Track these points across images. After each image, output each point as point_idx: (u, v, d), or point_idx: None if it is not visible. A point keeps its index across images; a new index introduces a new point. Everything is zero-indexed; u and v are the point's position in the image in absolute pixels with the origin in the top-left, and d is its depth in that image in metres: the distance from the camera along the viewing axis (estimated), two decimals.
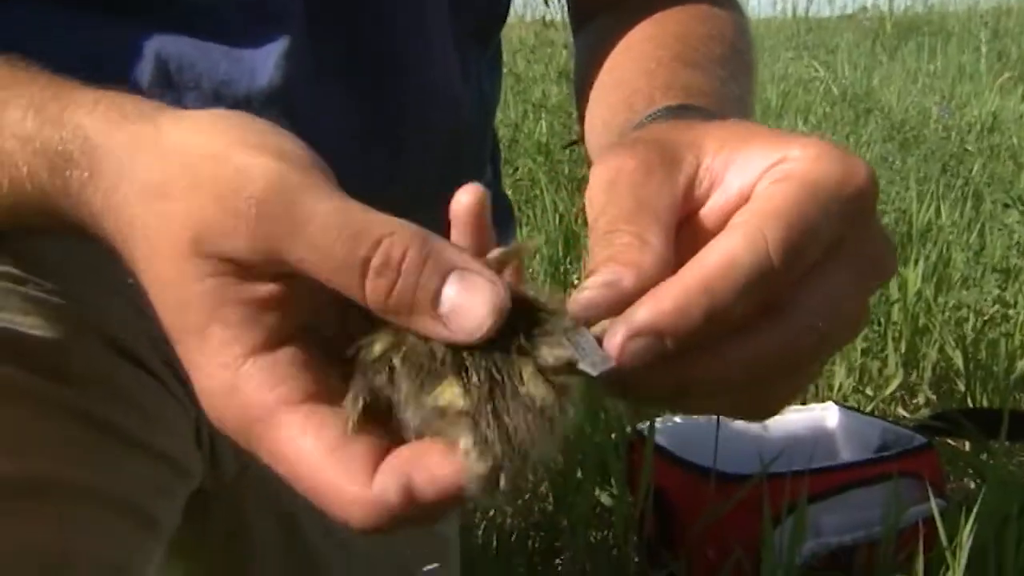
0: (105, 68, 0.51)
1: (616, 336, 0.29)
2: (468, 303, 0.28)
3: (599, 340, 0.29)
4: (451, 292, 0.29)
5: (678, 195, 0.33)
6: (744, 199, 0.33)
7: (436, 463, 0.29)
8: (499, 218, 0.75)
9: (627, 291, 0.30)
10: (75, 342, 0.51)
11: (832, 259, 0.31)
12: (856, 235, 0.32)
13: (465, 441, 0.28)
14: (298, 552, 0.68)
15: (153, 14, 0.51)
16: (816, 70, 4.80)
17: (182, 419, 0.59)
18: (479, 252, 0.32)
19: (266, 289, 0.31)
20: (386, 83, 0.57)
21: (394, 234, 0.29)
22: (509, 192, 1.08)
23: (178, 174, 0.32)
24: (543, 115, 2.76)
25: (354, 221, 0.29)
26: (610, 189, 0.33)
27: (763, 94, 4.13)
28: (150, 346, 0.55)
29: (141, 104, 0.36)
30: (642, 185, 0.33)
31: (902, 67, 5.09)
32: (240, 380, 0.31)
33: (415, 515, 0.29)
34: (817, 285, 0.31)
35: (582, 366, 0.29)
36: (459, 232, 0.34)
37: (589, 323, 0.30)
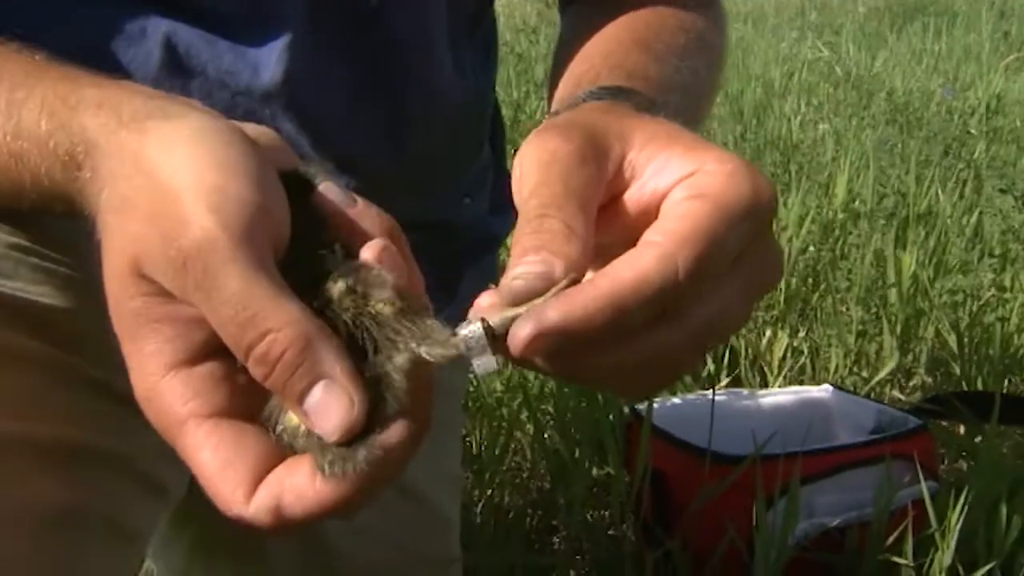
0: (115, 52, 0.52)
1: (524, 330, 0.32)
2: (325, 413, 0.32)
3: (490, 330, 0.32)
4: (315, 398, 0.32)
5: (603, 184, 0.36)
6: (657, 199, 0.35)
7: (302, 483, 0.33)
8: (501, 202, 0.76)
9: (556, 281, 0.33)
10: (84, 311, 0.53)
11: (729, 272, 0.34)
12: (754, 249, 0.35)
13: (314, 462, 0.32)
14: (307, 530, 0.69)
15: (162, 5, 0.52)
16: (820, 51, 4.78)
17: None
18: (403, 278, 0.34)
19: (193, 311, 0.34)
20: (386, 75, 0.58)
21: (280, 331, 0.32)
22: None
23: (140, 198, 0.34)
24: (544, 95, 2.75)
25: (252, 306, 0.32)
26: (544, 170, 0.35)
27: (767, 74, 4.11)
28: None
29: (140, 105, 0.37)
30: (573, 172, 0.35)
31: (907, 48, 5.06)
32: (160, 390, 0.34)
33: (291, 528, 0.33)
34: (713, 296, 0.34)
35: (473, 364, 0.32)
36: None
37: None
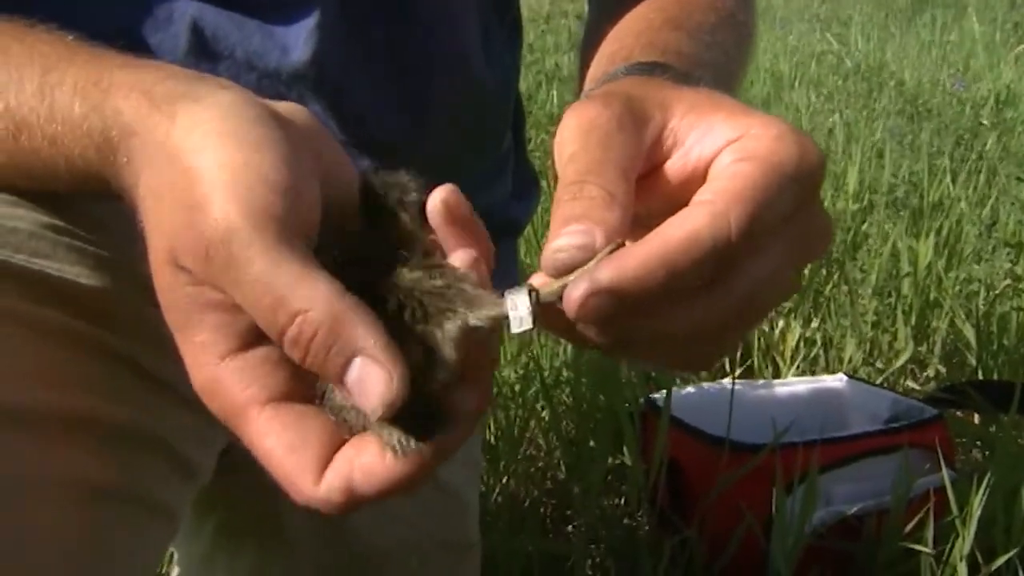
0: (143, 36, 0.52)
1: (579, 290, 0.32)
2: (365, 390, 0.31)
3: (536, 295, 0.32)
4: (353, 375, 0.31)
5: (643, 151, 0.36)
6: (702, 165, 0.35)
7: (372, 462, 0.33)
8: (522, 188, 0.76)
9: (598, 250, 0.33)
10: (119, 292, 0.53)
11: (779, 234, 0.34)
12: (802, 215, 0.34)
13: (382, 441, 0.32)
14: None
15: None
16: (829, 42, 4.76)
17: None
18: (464, 245, 0.34)
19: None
20: (413, 57, 0.58)
21: (309, 311, 0.31)
22: None
23: (169, 187, 0.34)
24: (555, 85, 2.75)
25: (278, 287, 0.31)
26: (583, 138, 0.35)
27: (776, 66, 4.09)
28: None
29: (172, 87, 0.37)
30: (612, 138, 0.35)
31: (916, 39, 5.04)
32: (217, 379, 0.34)
33: (363, 504, 0.33)
34: (763, 258, 0.34)
35: (508, 323, 0.32)
36: (440, 233, 0.35)
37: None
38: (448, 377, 0.31)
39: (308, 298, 0.31)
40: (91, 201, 0.50)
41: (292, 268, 0.31)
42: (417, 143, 0.60)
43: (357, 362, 0.31)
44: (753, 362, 1.67)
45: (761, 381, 1.43)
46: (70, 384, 0.50)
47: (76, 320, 0.51)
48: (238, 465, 0.65)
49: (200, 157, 0.33)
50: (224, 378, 0.34)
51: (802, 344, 1.66)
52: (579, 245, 0.33)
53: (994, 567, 0.95)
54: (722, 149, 0.35)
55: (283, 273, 0.31)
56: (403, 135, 0.59)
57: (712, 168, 0.35)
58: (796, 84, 3.81)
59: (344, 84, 0.56)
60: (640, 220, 0.35)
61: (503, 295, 0.32)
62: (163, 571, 0.94)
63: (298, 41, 0.54)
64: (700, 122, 0.36)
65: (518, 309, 0.32)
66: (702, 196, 0.33)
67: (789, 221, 0.34)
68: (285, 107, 0.37)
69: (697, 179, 0.35)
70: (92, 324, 0.52)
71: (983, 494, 0.95)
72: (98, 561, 0.49)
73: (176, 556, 0.78)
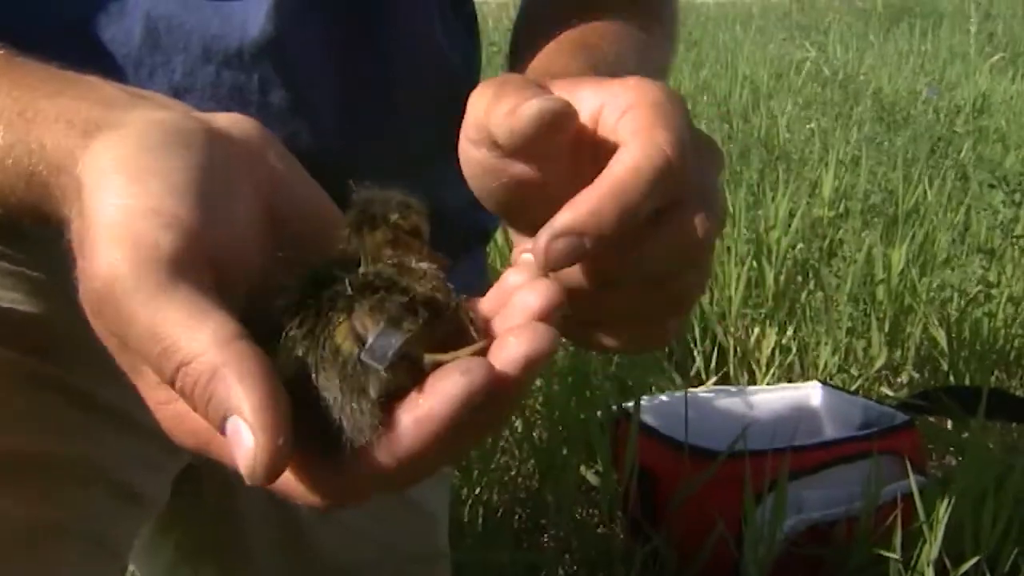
0: (97, 30, 0.51)
1: (541, 240, 0.33)
2: (235, 451, 0.29)
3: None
4: (228, 429, 0.30)
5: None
6: (591, 124, 0.37)
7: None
8: None
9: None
10: (57, 317, 0.52)
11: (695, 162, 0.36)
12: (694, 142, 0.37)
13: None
14: (289, 526, 0.68)
15: None
16: (808, 51, 4.80)
17: None
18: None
19: None
20: (375, 32, 0.57)
21: (190, 364, 0.30)
22: None
23: (75, 229, 0.33)
24: None
25: (163, 337, 0.30)
26: (497, 86, 0.36)
27: (755, 74, 4.12)
28: None
29: (96, 112, 0.36)
30: (528, 84, 0.36)
31: (893, 49, 5.09)
32: (179, 414, 0.33)
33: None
34: (696, 179, 0.36)
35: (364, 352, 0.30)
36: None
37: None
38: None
39: (190, 350, 0.30)
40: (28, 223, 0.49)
41: (177, 315, 0.30)
42: (384, 126, 0.59)
43: (230, 420, 0.30)
44: (729, 369, 1.67)
45: (735, 388, 1.44)
46: (5, 422, 0.49)
47: (11, 350, 0.50)
48: (199, 488, 0.65)
49: (96, 196, 0.32)
50: (186, 411, 0.32)
51: (777, 351, 1.66)
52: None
53: (961, 571, 0.95)
54: (602, 107, 0.37)
55: (167, 321, 0.30)
56: (365, 117, 0.59)
57: (604, 122, 0.37)
58: (775, 92, 3.83)
59: (305, 63, 0.55)
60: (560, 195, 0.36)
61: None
62: None
63: (258, 15, 0.52)
64: (574, 90, 0.37)
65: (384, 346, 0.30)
66: (623, 137, 0.35)
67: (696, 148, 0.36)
68: (226, 119, 0.36)
69: (587, 140, 0.37)
70: (29, 354, 0.51)
71: (950, 500, 0.95)
72: None
73: (135, 573, 0.77)
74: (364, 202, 0.34)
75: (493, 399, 0.30)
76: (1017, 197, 2.03)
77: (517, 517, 1.28)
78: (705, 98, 3.70)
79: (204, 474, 0.64)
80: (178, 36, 0.51)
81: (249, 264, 0.34)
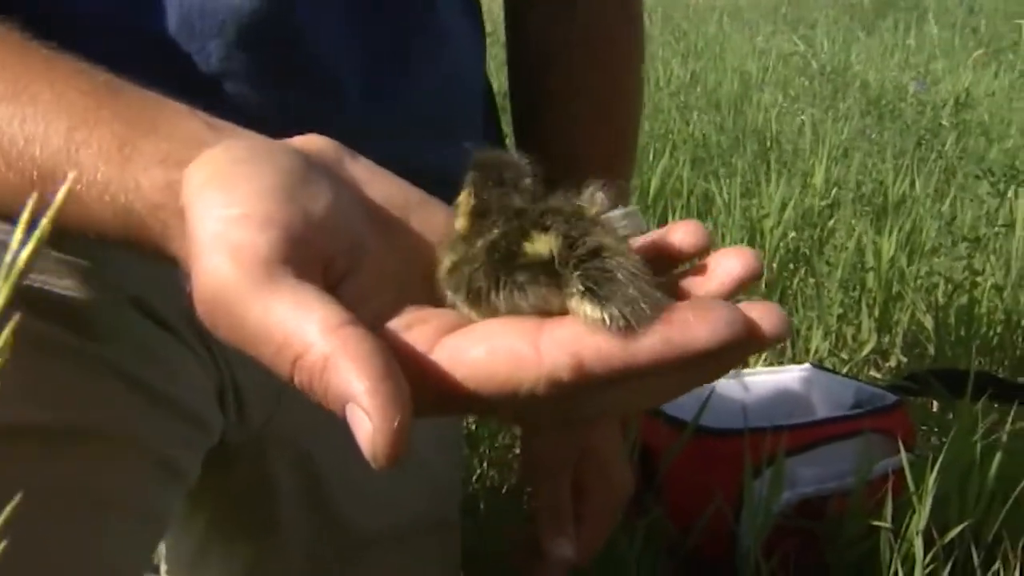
0: (130, 18, 0.52)
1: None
2: (357, 437, 0.30)
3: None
4: (349, 417, 0.30)
5: None
6: None
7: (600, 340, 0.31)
8: None
9: None
10: (103, 302, 0.54)
11: None
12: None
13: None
14: (318, 502, 0.70)
15: None
16: (796, 44, 4.85)
17: (203, 376, 0.61)
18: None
19: None
20: (393, 10, 0.60)
21: (303, 357, 0.30)
22: None
23: (186, 252, 0.34)
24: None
25: (275, 336, 0.30)
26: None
27: (744, 66, 4.16)
28: (172, 306, 0.57)
29: (184, 152, 0.36)
30: None
31: (880, 42, 5.14)
32: None
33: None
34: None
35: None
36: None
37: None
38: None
39: (303, 343, 0.30)
40: None
41: (284, 311, 0.30)
42: (400, 91, 0.61)
43: (348, 407, 0.30)
44: None
45: (731, 371, 1.48)
46: (60, 398, 0.51)
47: (65, 331, 0.52)
48: (231, 462, 0.67)
49: (194, 212, 0.33)
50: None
51: None
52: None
53: (947, 539, 1.00)
54: None
55: (277, 320, 0.30)
56: (385, 83, 0.60)
57: None
58: (763, 84, 3.88)
59: (333, 43, 0.56)
60: None
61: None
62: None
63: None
64: None
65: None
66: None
67: None
68: (300, 139, 0.37)
69: None
70: (80, 335, 0.53)
71: (937, 474, 1.00)
72: (90, 568, 0.51)
73: (164, 552, 0.77)
74: (482, 163, 0.35)
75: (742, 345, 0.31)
76: (1002, 187, 2.09)
77: (523, 496, 1.32)
78: (698, 89, 3.74)
79: (234, 453, 0.66)
80: (211, 23, 0.52)
81: (357, 248, 0.34)
